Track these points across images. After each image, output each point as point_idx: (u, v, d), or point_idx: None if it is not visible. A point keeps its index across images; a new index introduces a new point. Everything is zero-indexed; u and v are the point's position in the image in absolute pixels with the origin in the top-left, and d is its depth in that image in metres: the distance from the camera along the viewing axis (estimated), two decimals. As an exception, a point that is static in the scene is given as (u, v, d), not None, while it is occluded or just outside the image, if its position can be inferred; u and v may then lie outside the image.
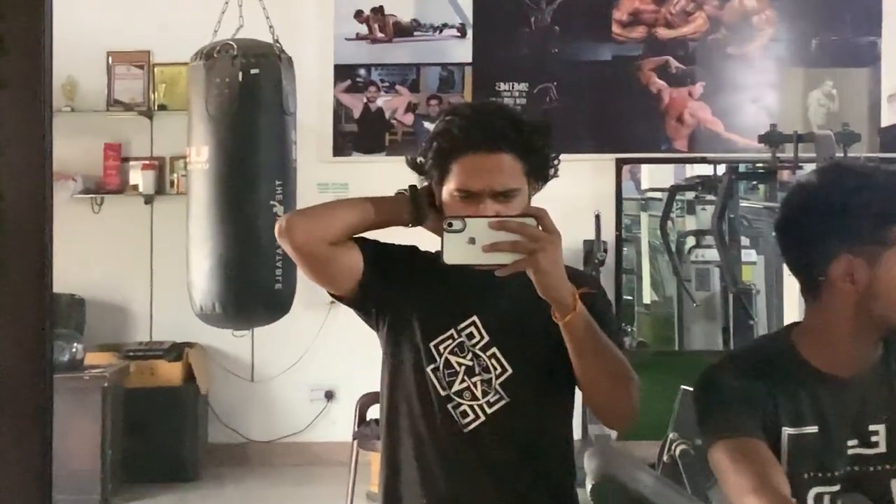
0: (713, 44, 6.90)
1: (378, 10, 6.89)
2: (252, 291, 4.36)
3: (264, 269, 4.27)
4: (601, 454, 1.63)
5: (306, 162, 6.08)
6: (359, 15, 6.88)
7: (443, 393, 2.08)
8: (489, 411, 2.07)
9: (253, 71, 4.33)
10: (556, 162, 2.10)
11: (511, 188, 2.00)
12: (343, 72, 6.90)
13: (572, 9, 6.88)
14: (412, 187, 2.11)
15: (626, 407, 2.02)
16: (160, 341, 6.65)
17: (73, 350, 5.92)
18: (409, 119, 6.91)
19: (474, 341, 2.08)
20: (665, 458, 3.48)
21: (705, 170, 6.87)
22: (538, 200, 2.06)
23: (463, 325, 2.09)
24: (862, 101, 6.89)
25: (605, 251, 6.60)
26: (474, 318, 2.09)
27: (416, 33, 6.93)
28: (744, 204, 6.56)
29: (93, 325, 6.68)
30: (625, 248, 6.99)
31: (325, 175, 6.76)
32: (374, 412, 4.84)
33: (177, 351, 6.48)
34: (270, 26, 4.61)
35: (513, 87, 6.86)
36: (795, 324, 1.99)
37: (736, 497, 1.73)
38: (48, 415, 1.49)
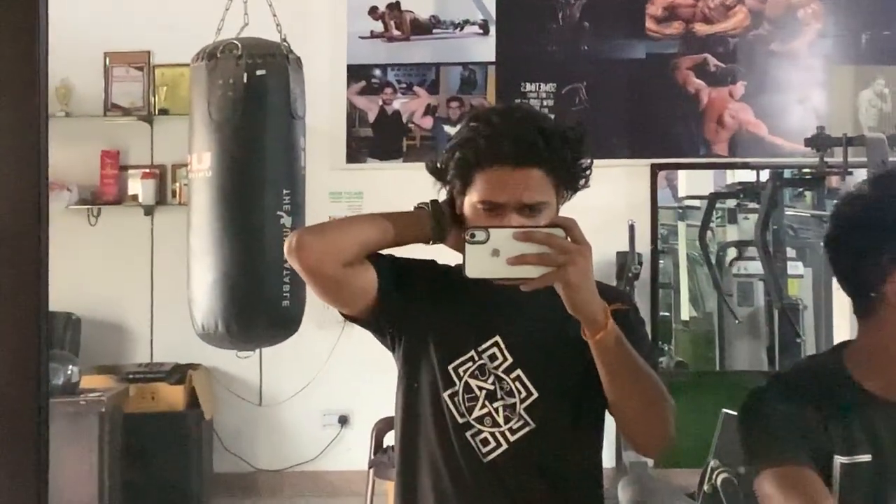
0: (755, 40, 6.89)
1: (394, 6, 6.91)
2: (258, 309, 4.35)
3: (271, 284, 4.26)
4: (636, 483, 1.62)
5: (318, 169, 6.10)
6: (373, 11, 6.90)
7: (461, 420, 2.07)
8: (512, 439, 2.06)
9: (259, 72, 4.33)
10: (588, 172, 2.08)
11: (539, 201, 1.99)
12: (357, 72, 6.91)
13: (603, 3, 6.89)
14: (433, 202, 2.10)
15: (661, 433, 2.00)
16: (161, 363, 6.67)
17: (69, 373, 5.92)
18: (427, 123, 6.92)
19: (496, 363, 2.07)
20: (706, 487, 3.48)
21: (748, 176, 6.86)
22: (567, 210, 2.05)
23: (484, 345, 2.08)
24: (917, 101, 6.87)
25: (640, 264, 6.59)
26: (497, 338, 2.08)
27: (435, 31, 6.94)
28: (789, 212, 6.55)
29: (89, 345, 6.70)
30: (661, 261, 6.97)
31: (337, 183, 6.78)
32: (391, 439, 4.84)
33: (179, 373, 6.50)
34: (277, 24, 4.62)
35: (539, 88, 6.86)
36: (848, 342, 1.97)
37: None
38: (43, 442, 1.49)
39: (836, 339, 5.16)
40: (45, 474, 1.49)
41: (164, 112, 6.81)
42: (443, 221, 2.06)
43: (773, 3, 6.87)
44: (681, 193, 7.33)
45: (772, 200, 6.11)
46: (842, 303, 5.23)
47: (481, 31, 6.91)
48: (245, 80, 4.30)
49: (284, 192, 4.37)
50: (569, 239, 1.83)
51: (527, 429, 2.06)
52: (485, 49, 6.91)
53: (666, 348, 7.13)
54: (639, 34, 6.90)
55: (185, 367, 6.55)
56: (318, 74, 6.02)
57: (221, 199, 4.32)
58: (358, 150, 6.92)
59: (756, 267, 6.65)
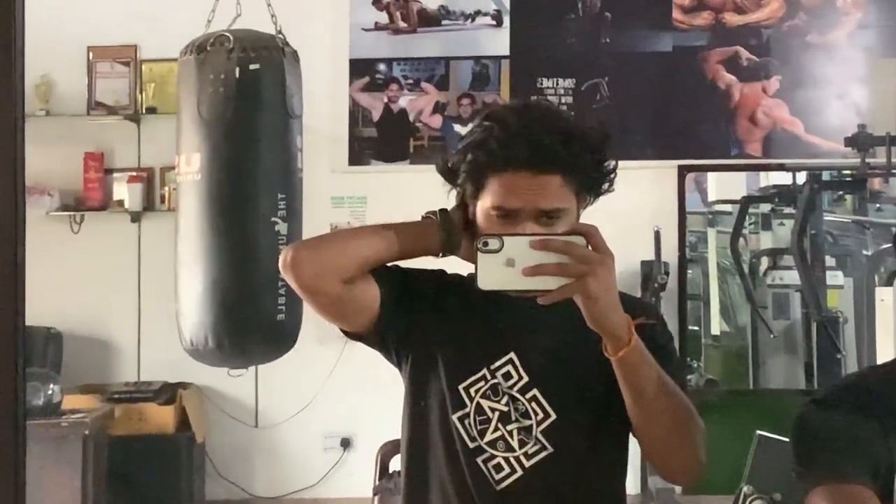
0: (791, 31, 6.88)
1: (400, -4, 6.93)
2: (251, 323, 4.33)
3: (265, 296, 4.24)
4: (664, 511, 1.62)
5: (318, 172, 6.12)
6: (378, 1, 6.91)
7: (472, 444, 2.06)
8: (527, 464, 2.05)
9: (252, 66, 4.31)
10: (612, 175, 2.07)
11: (557, 208, 1.98)
12: (360, 67, 6.92)
13: (626, -8, 6.90)
14: (442, 211, 2.08)
15: (690, 458, 1.99)
16: (149, 382, 6.68)
17: (50, 392, 5.94)
18: (436, 121, 6.92)
19: (511, 382, 2.06)
20: (739, 516, 3.46)
21: (783, 178, 6.87)
22: (587, 215, 2.04)
23: (498, 363, 2.07)
24: (967, 97, 6.85)
25: (667, 274, 6.58)
26: (511, 354, 2.07)
27: (444, 22, 6.94)
28: (828, 218, 6.55)
29: (72, 363, 6.71)
30: (689, 270, 6.97)
31: (339, 187, 6.79)
32: (397, 463, 4.82)
33: (169, 393, 6.50)
34: (272, 15, 4.61)
35: (557, 84, 6.86)
36: None
37: None
38: (20, 467, 1.49)
39: (880, 355, 5.16)
40: (22, 501, 1.49)
41: (151, 111, 6.82)
42: (453, 233, 2.05)
43: (809, -9, 6.87)
44: (710, 197, 7.34)
45: (809, 205, 6.10)
46: (885, 315, 5.22)
47: (494, 23, 6.91)
48: (237, 76, 4.29)
49: (280, 196, 4.35)
50: (590, 247, 1.81)
51: (544, 453, 2.05)
52: (498, 42, 6.91)
53: (695, 365, 7.13)
54: (665, 25, 6.89)
55: (174, 386, 6.55)
56: (317, 69, 6.02)
57: (212, 203, 4.30)
58: (361, 151, 6.92)
59: (792, 277, 6.65)
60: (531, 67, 6.88)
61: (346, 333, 2.12)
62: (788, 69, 6.86)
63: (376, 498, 5.50)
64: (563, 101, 6.74)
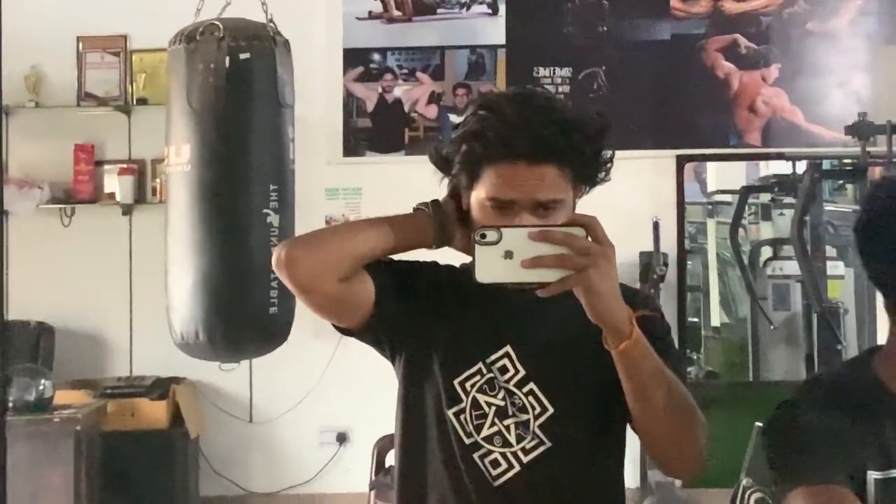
0: (791, 18, 6.86)
1: (394, -16, 6.91)
2: (242, 316, 4.31)
3: (257, 289, 4.22)
4: (663, 505, 1.61)
5: (312, 164, 6.11)
6: (372, -10, 6.89)
7: (468, 440, 2.05)
8: (525, 459, 2.04)
9: (242, 56, 4.29)
10: (609, 165, 2.05)
11: (554, 199, 1.96)
12: (354, 57, 6.90)
13: (623, -21, 6.88)
14: (434, 202, 2.07)
15: (691, 453, 1.98)
16: (142, 376, 6.66)
17: (41, 388, 5.94)
18: (432, 112, 6.91)
19: (507, 376, 2.05)
20: (738, 508, 3.45)
21: (783, 168, 6.86)
22: (585, 205, 2.03)
23: (493, 357, 2.06)
24: (969, 85, 6.84)
25: (666, 265, 6.59)
26: (507, 348, 2.05)
27: (439, 11, 6.92)
28: (829, 207, 6.54)
29: (63, 358, 6.70)
30: (689, 262, 6.97)
31: (334, 179, 6.78)
32: (393, 458, 4.82)
33: (162, 388, 6.48)
34: (263, 3, 4.56)
35: (554, 73, 6.84)
36: (877, 348, 1.97)
37: None
38: (1, 465, 1.47)
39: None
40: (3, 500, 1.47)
41: (142, 102, 6.80)
42: (446, 225, 2.05)
43: (809, -22, 6.86)
44: (710, 188, 7.34)
45: (809, 194, 6.08)
46: (888, 306, 5.20)
47: (490, 12, 6.89)
48: (227, 65, 4.26)
49: (271, 187, 4.33)
50: (590, 239, 1.79)
51: (541, 448, 2.04)
52: (494, 31, 6.89)
53: (695, 357, 7.14)
54: (663, 13, 6.88)
55: (167, 381, 6.54)
56: (310, 59, 6.01)
57: (202, 195, 4.29)
58: (356, 142, 6.91)
59: (793, 267, 6.64)
60: (527, 56, 6.86)
61: (338, 329, 2.10)
62: (788, 57, 6.84)
63: (373, 493, 5.50)
64: (559, 90, 6.73)
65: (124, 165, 6.78)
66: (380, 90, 6.91)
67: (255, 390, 6.84)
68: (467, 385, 2.05)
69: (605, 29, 6.86)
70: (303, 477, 6.83)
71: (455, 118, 6.72)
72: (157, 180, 6.70)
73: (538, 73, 6.83)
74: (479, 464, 2.04)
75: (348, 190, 6.78)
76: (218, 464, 6.79)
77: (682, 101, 6.88)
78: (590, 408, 2.04)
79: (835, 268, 6.66)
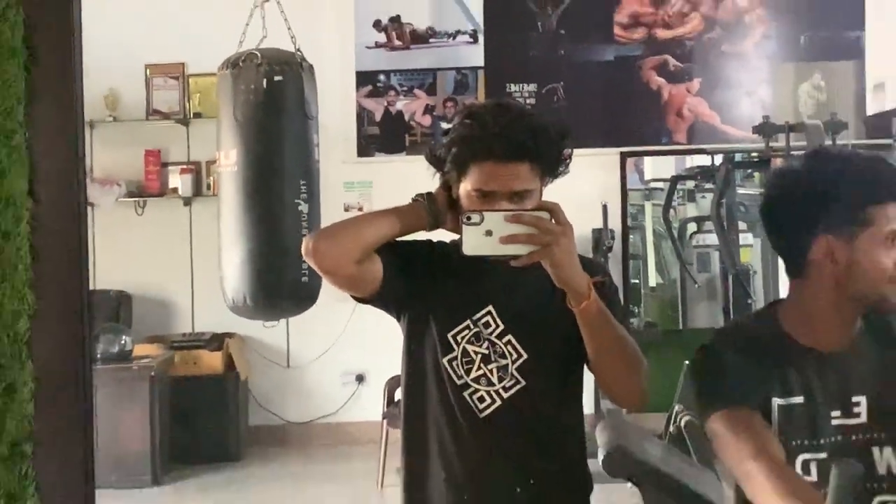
0: (709, 42, 6.83)
1: (395, 20, 6.84)
2: (280, 285, 4.29)
3: (291, 263, 4.19)
4: (612, 427, 1.61)
5: (332, 163, 6.09)
6: (377, 24, 6.84)
7: (459, 381, 2.04)
8: (505, 396, 2.03)
9: (276, 78, 4.27)
10: (568, 161, 2.05)
11: (526, 189, 1.95)
12: (364, 78, 6.86)
13: (577, 13, 6.82)
14: (428, 194, 2.06)
15: (635, 388, 2.00)
16: (202, 332, 6.65)
17: (122, 342, 5.94)
18: (427, 121, 6.87)
19: (490, 330, 2.04)
20: (671, 429, 3.43)
21: (704, 160, 6.86)
22: (549, 194, 2.02)
23: (479, 315, 2.05)
24: (848, 92, 6.82)
25: (613, 239, 6.60)
26: (490, 307, 2.05)
27: (431, 40, 6.88)
28: (740, 191, 6.52)
29: (139, 318, 6.69)
30: (631, 236, 6.96)
31: (350, 175, 6.76)
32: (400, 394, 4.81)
33: (217, 341, 6.48)
34: (292, 36, 4.56)
35: (523, 88, 6.81)
36: (779, 301, 1.98)
37: (737, 463, 1.73)
38: (89, 404, 1.47)
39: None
40: (90, 433, 1.47)
41: (198, 115, 6.76)
42: (438, 211, 2.04)
43: (723, 10, 6.82)
44: (647, 177, 7.32)
45: (725, 181, 6.07)
46: (788, 268, 5.19)
47: (472, 40, 6.85)
48: (264, 86, 4.24)
49: (301, 182, 4.31)
50: (554, 221, 1.83)
51: (518, 386, 2.03)
52: (475, 55, 6.85)
53: (636, 311, 7.13)
54: (608, 39, 6.84)
55: (222, 335, 6.53)
56: (332, 80, 5.99)
57: (246, 190, 4.27)
58: (367, 145, 6.88)
59: (712, 239, 6.64)
60: (502, 75, 6.82)
61: (355, 298, 2.09)
62: (707, 73, 6.82)
63: (385, 421, 5.51)
64: (527, 102, 6.68)
65: (184, 166, 6.75)
66: (385, 104, 6.87)
67: (290, 342, 6.83)
68: (458, 337, 2.04)
69: (563, 53, 6.83)
70: (329, 409, 6.82)
71: (445, 125, 6.69)
72: (211, 178, 6.66)
73: (510, 88, 6.80)
74: (469, 400, 2.03)
75: (362, 183, 6.76)
76: (262, 400, 6.78)
77: (624, 109, 6.85)
78: (556, 354, 2.04)
79: (745, 238, 6.66)
